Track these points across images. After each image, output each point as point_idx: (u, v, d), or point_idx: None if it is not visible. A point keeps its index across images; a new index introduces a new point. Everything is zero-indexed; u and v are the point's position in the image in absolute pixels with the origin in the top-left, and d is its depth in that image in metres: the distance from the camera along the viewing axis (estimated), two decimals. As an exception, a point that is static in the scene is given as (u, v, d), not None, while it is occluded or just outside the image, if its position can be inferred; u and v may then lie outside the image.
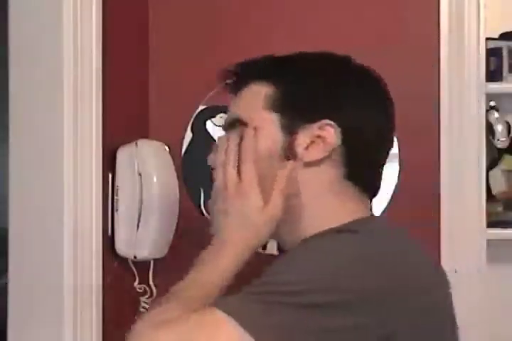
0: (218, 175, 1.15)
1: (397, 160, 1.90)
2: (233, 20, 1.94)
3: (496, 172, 2.00)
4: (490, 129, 1.97)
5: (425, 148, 1.90)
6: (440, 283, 1.12)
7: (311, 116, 1.12)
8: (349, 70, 1.19)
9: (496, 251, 1.92)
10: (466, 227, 1.88)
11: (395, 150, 1.90)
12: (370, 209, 1.20)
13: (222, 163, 1.14)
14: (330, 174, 1.13)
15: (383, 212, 1.91)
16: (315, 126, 1.12)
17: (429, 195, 1.89)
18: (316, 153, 1.12)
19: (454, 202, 1.88)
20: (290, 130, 1.12)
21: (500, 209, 1.99)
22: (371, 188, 1.19)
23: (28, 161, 1.50)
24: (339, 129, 1.11)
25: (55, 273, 1.48)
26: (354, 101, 1.15)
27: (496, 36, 2.00)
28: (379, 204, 1.91)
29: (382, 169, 1.20)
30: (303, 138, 1.12)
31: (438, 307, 1.08)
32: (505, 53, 1.97)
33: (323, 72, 1.16)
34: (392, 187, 1.90)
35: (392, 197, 1.90)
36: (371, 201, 1.20)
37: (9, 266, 1.51)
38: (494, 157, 1.99)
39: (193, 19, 1.94)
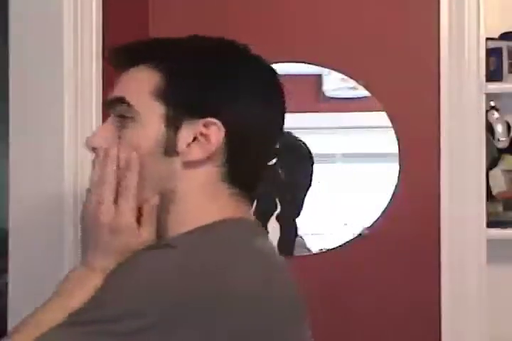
0: (91, 199, 1.04)
1: (397, 160, 1.90)
2: (233, 21, 1.94)
3: (496, 172, 1.99)
4: (490, 129, 1.96)
5: (425, 148, 1.90)
6: (278, 297, 1.01)
7: (197, 111, 1.04)
8: (243, 62, 1.10)
9: (496, 251, 1.92)
10: (466, 227, 1.88)
11: (395, 150, 1.90)
12: (255, 212, 1.13)
13: (99, 185, 1.04)
14: (208, 174, 1.05)
15: (383, 211, 1.91)
16: (200, 122, 1.03)
17: (429, 195, 1.89)
18: (197, 152, 1.04)
19: (454, 202, 1.88)
20: (174, 124, 1.03)
21: (500, 209, 1.99)
22: (251, 190, 1.09)
23: (28, 161, 1.50)
24: (224, 129, 1.03)
25: (56, 273, 1.47)
26: (243, 97, 1.06)
27: (496, 36, 1.99)
28: (379, 204, 1.91)
29: (267, 169, 1.13)
30: (186, 134, 1.03)
31: (272, 318, 0.99)
32: (505, 53, 1.96)
33: (213, 63, 1.07)
34: (392, 187, 1.90)
35: (392, 197, 1.90)
36: (252, 202, 1.11)
37: (9, 266, 1.51)
38: (494, 157, 1.99)
39: (192, 19, 1.94)
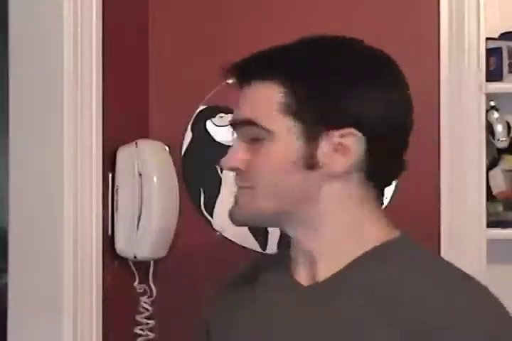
0: None
1: (397, 160, 1.90)
2: (233, 20, 1.94)
3: (496, 172, 1.99)
4: (490, 129, 1.96)
5: (425, 148, 1.90)
6: None
7: (331, 122, 1.03)
8: (373, 63, 1.10)
9: (496, 251, 1.92)
10: (466, 227, 1.87)
11: (395, 150, 1.90)
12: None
13: None
14: (352, 184, 1.06)
15: (383, 212, 1.90)
16: (336, 133, 1.03)
17: (429, 195, 1.89)
18: (339, 163, 1.03)
19: (454, 202, 1.88)
20: (311, 137, 1.03)
21: (500, 209, 1.99)
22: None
23: (28, 161, 1.50)
24: (364, 137, 1.03)
25: (55, 273, 1.47)
26: (381, 103, 1.05)
27: (496, 36, 1.99)
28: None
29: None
30: (325, 146, 1.03)
31: None
32: (505, 53, 1.96)
33: (340, 67, 1.05)
34: (392, 187, 1.90)
35: (392, 197, 1.90)
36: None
37: (9, 266, 1.51)
38: (494, 157, 1.99)
39: (192, 19, 1.94)
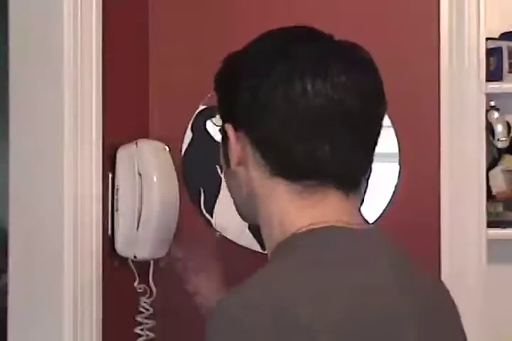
0: None
1: (397, 160, 1.90)
2: (233, 20, 1.94)
3: (496, 172, 2.00)
4: (490, 129, 1.97)
5: (425, 148, 1.90)
6: None
7: (223, 120, 1.09)
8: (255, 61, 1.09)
9: (496, 251, 1.92)
10: (466, 227, 1.87)
11: (395, 150, 1.90)
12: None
13: None
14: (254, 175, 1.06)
15: (383, 211, 1.90)
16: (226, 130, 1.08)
17: (429, 194, 1.89)
18: (232, 156, 1.07)
19: (454, 202, 1.88)
20: (223, 137, 1.10)
21: (500, 209, 1.99)
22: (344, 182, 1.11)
23: (28, 161, 1.51)
24: (241, 133, 1.05)
25: (55, 273, 1.47)
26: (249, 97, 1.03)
27: (496, 36, 2.00)
28: (379, 204, 1.91)
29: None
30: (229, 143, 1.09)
31: None
32: (505, 53, 1.97)
33: (234, 74, 1.08)
34: (392, 187, 1.90)
35: (392, 197, 1.90)
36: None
37: (9, 266, 1.51)
38: (494, 157, 1.99)
39: (192, 19, 1.94)
